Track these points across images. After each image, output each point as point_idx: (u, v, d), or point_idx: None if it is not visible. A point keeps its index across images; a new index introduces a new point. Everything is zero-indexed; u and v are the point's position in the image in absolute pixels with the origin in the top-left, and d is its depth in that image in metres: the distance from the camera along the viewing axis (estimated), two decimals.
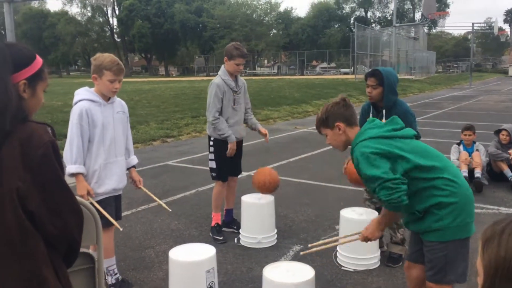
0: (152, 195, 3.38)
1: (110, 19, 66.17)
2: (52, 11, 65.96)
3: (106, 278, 3.25)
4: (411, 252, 2.60)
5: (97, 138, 3.04)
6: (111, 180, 3.14)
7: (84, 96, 3.05)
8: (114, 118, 3.14)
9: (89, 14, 64.58)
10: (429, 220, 2.32)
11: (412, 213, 2.38)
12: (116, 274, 3.31)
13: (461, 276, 2.37)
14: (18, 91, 1.43)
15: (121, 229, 3.11)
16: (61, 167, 1.46)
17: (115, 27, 66.85)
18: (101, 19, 66.09)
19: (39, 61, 1.52)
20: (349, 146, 2.53)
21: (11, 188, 1.34)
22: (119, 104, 3.25)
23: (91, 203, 2.46)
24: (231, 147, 4.30)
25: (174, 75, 66.48)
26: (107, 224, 2.92)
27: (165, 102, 16.10)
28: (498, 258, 0.91)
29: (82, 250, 1.65)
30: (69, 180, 2.72)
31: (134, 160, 3.44)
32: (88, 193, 2.96)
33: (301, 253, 2.88)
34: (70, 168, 2.95)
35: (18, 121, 1.39)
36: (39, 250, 1.43)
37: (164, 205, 3.37)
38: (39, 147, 1.39)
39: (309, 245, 2.75)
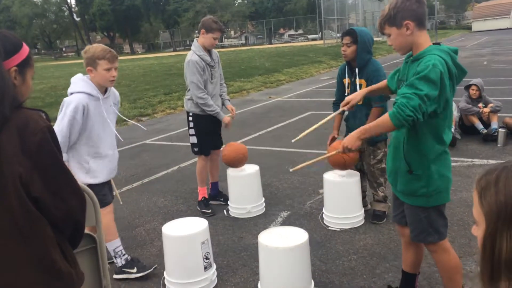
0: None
1: None
2: None
3: (116, 260, 3.28)
4: (395, 214, 2.62)
5: (90, 131, 3.00)
6: (103, 173, 3.13)
7: (82, 89, 2.95)
8: (108, 111, 3.09)
9: None
10: (416, 185, 2.31)
11: (402, 161, 2.33)
12: (124, 254, 3.31)
13: (442, 234, 2.41)
14: (10, 78, 1.42)
15: (121, 203, 3.17)
16: (59, 151, 1.46)
17: (73, 6, 64.38)
18: None
19: (26, 48, 1.51)
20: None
21: (13, 175, 1.34)
22: (113, 95, 3.20)
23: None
24: (225, 121, 4.32)
25: (139, 52, 64.90)
26: (104, 205, 3.03)
27: (135, 81, 15.80)
28: (499, 203, 0.98)
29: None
30: None
31: None
32: None
33: (291, 169, 3.07)
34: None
35: (14, 108, 1.38)
36: (46, 234, 1.44)
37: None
38: (36, 133, 1.38)
39: (291, 169, 2.92)
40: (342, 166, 3.80)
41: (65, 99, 2.97)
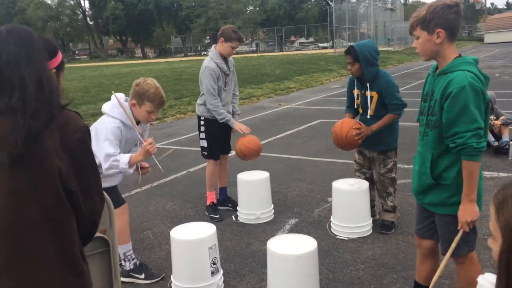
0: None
1: (82, 2, 64.78)
2: None
3: (124, 264, 3.29)
4: (419, 227, 2.56)
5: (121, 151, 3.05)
6: (116, 177, 3.17)
7: (121, 117, 2.99)
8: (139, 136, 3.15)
9: None
10: (444, 194, 2.30)
11: (429, 178, 2.31)
12: (133, 259, 3.33)
13: (472, 246, 2.38)
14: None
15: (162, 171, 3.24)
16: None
17: (87, 9, 65.18)
18: (72, 2, 64.25)
19: (59, 52, 1.59)
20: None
21: (53, 169, 1.38)
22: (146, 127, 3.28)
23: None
24: (237, 128, 4.34)
25: (151, 56, 65.42)
26: (119, 204, 3.07)
27: None
28: None
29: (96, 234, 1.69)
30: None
31: None
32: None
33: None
34: (125, 157, 2.92)
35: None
36: (73, 229, 1.46)
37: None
38: (76, 131, 1.44)
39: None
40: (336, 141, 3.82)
41: (100, 120, 2.99)
